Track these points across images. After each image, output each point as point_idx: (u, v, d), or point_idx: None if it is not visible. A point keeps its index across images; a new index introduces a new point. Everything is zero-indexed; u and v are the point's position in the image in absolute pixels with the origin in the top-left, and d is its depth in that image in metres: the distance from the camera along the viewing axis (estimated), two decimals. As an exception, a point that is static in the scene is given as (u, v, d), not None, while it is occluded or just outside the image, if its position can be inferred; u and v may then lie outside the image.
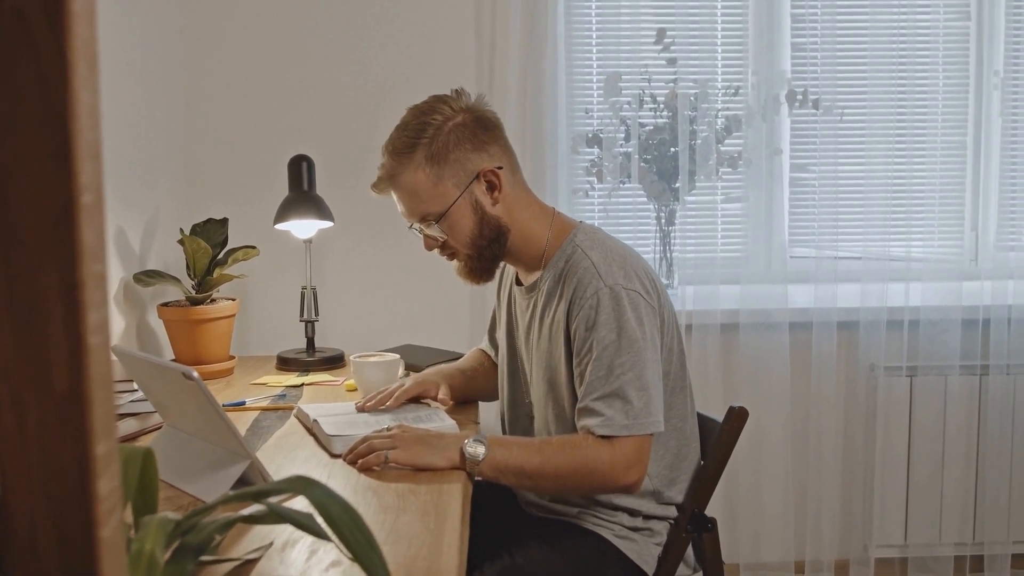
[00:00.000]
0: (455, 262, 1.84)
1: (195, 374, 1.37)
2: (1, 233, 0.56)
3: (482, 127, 1.78)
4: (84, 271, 0.57)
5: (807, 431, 2.97)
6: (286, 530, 1.28)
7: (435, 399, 1.93)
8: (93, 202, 0.58)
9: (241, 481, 1.43)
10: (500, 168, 1.77)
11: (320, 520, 0.90)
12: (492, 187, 1.77)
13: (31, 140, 0.55)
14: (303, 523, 0.94)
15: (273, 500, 1.02)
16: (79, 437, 0.58)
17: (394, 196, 1.80)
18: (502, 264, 1.92)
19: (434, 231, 1.80)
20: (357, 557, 0.87)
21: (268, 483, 1.32)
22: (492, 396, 2.06)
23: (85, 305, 0.57)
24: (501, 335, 1.99)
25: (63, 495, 0.58)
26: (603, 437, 1.63)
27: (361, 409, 1.89)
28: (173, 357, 2.34)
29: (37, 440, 0.57)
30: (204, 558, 1.11)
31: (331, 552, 1.21)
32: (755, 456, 2.93)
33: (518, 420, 1.94)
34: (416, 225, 1.82)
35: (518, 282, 1.91)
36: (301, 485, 0.92)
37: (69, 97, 0.55)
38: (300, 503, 1.31)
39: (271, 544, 1.25)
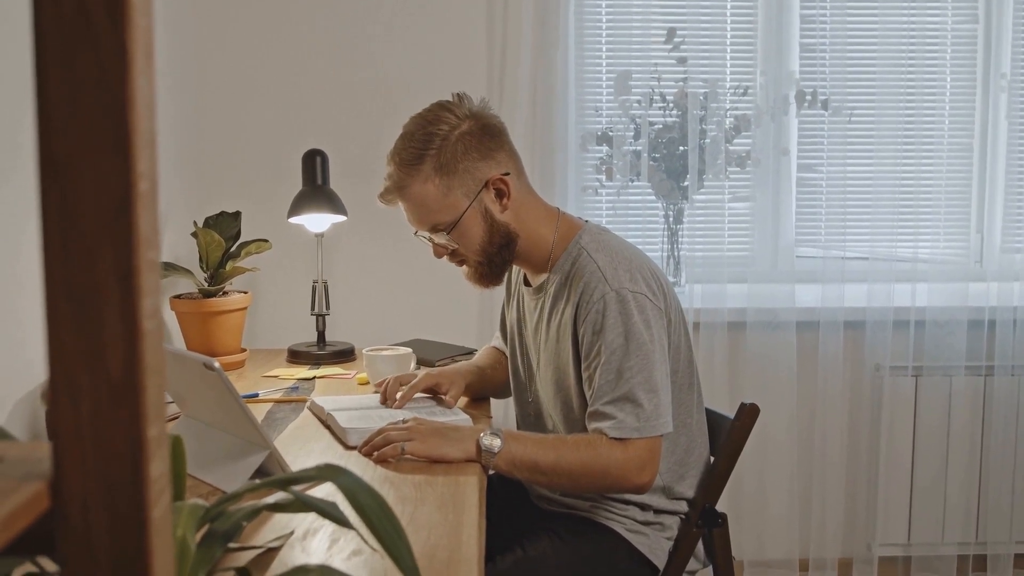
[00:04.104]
0: (464, 267, 1.84)
1: (217, 365, 1.39)
2: (61, 220, 0.57)
3: (488, 134, 1.77)
4: (140, 258, 0.58)
5: (812, 430, 2.98)
6: (307, 519, 1.29)
7: (444, 395, 1.93)
8: (149, 190, 0.59)
9: (260, 471, 1.45)
10: (507, 174, 1.77)
11: (345, 508, 0.91)
12: (501, 194, 1.77)
13: (91, 129, 0.56)
14: (328, 512, 0.96)
15: (297, 489, 1.03)
16: (133, 421, 0.59)
17: (402, 206, 1.80)
18: None
19: (444, 240, 1.80)
20: (385, 545, 0.88)
21: (296, 471, 1.34)
22: (508, 393, 2.07)
23: (140, 291, 0.58)
24: (510, 334, 2.00)
25: (116, 477, 0.59)
26: (616, 439, 1.65)
27: (384, 402, 1.90)
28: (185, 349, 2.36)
29: (91, 423, 0.58)
30: (230, 545, 1.12)
31: (352, 541, 1.23)
32: (760, 454, 2.94)
33: (526, 418, 1.96)
34: (424, 233, 1.82)
35: (526, 282, 1.92)
36: (330, 473, 0.93)
37: (128, 88, 0.56)
38: (320, 494, 1.33)
39: (292, 533, 1.26)
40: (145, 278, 0.59)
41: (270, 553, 1.21)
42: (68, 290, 0.58)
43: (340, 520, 0.95)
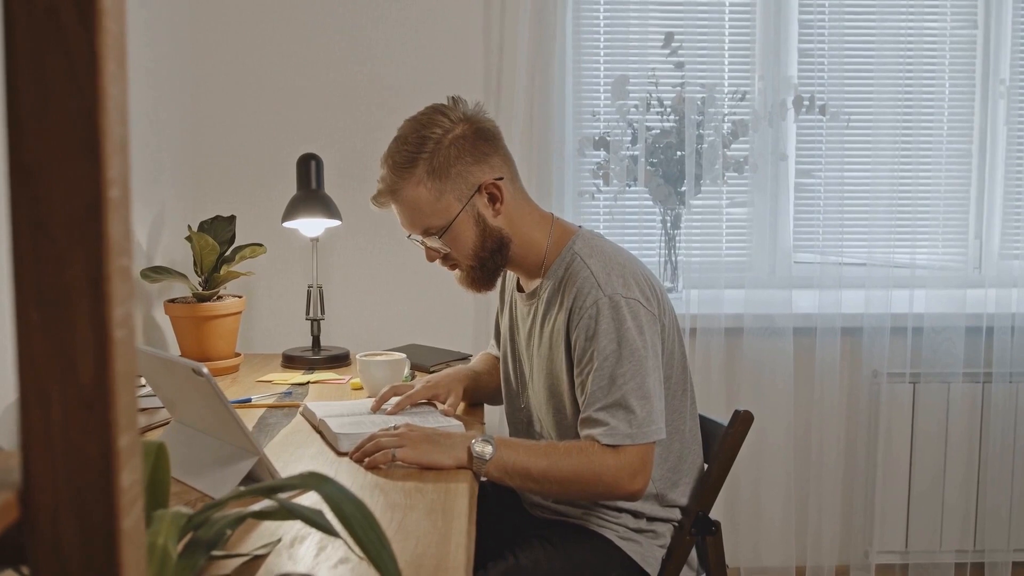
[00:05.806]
0: (456, 272, 1.84)
1: (205, 370, 1.38)
2: (30, 226, 0.56)
3: (482, 138, 1.76)
4: (110, 265, 0.57)
5: (809, 436, 2.97)
6: (294, 526, 1.29)
7: (443, 403, 1.93)
8: (120, 197, 0.59)
9: (249, 478, 1.44)
10: (501, 179, 1.76)
11: (330, 516, 0.90)
12: (494, 199, 1.76)
13: (61, 134, 0.56)
14: (313, 519, 0.95)
15: (283, 496, 1.02)
16: (103, 429, 0.58)
17: (394, 209, 1.79)
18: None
19: (436, 244, 1.79)
20: (369, 554, 0.88)
21: (281, 479, 1.33)
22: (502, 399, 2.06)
23: (111, 299, 0.57)
24: (503, 340, 1.98)
25: (86, 486, 0.58)
26: (608, 446, 1.64)
27: (375, 409, 1.89)
28: (179, 354, 2.35)
29: (62, 432, 0.58)
30: (214, 553, 1.12)
31: (339, 549, 1.22)
32: (757, 460, 2.93)
33: (518, 425, 1.95)
34: (416, 236, 1.82)
35: (519, 288, 1.91)
36: (314, 481, 0.92)
37: (99, 92, 0.56)
38: (308, 500, 1.32)
39: (279, 540, 1.25)
40: (116, 285, 0.58)
41: (256, 561, 1.20)
42: (38, 296, 0.58)
43: (325, 528, 0.94)
